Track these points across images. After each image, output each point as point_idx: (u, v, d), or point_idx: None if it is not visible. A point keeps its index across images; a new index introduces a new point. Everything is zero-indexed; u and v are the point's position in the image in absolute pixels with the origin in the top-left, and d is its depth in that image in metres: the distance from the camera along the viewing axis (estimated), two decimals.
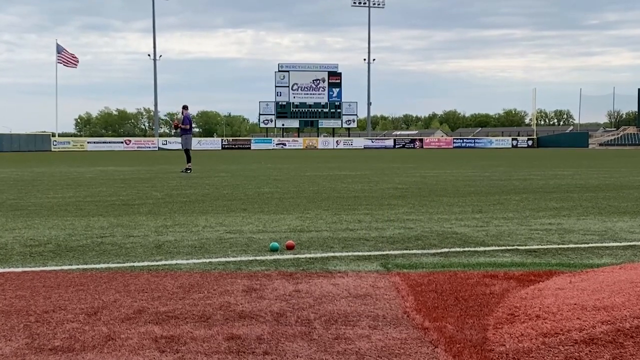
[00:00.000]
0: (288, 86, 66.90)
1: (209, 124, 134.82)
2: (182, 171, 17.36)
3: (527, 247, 5.30)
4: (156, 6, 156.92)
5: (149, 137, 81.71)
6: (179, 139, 17.34)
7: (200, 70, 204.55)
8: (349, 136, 71.98)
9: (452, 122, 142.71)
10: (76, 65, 57.57)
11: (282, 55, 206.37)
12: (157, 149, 56.51)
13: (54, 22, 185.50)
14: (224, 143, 61.89)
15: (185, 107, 17.94)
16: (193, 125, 18.07)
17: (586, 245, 5.38)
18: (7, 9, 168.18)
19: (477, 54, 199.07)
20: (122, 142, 59.47)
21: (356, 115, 70.32)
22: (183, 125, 17.52)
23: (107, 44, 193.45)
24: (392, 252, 5.11)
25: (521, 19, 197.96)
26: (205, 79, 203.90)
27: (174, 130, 17.34)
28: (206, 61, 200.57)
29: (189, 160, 17.32)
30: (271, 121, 67.58)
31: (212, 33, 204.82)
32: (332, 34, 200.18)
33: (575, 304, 3.06)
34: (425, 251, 5.15)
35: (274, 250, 5.11)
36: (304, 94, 67.27)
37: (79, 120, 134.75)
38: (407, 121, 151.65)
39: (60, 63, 57.11)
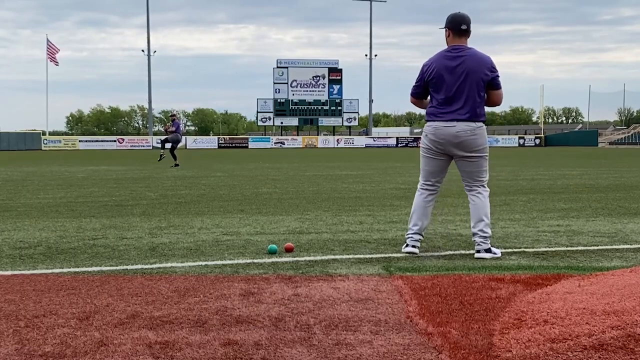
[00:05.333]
0: (287, 83, 66.73)
1: (205, 122, 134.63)
2: (173, 166, 19.84)
3: (535, 250, 5.22)
4: (156, 0, 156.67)
5: (143, 135, 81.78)
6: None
7: (198, 67, 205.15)
8: (349, 134, 71.96)
9: None
10: (56, 58, 57.94)
11: (284, 51, 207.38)
12: (151, 147, 56.26)
13: (50, 17, 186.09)
14: (220, 142, 61.76)
15: (173, 116, 21.57)
16: (187, 124, 21.77)
17: (596, 248, 5.30)
18: (3, 4, 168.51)
19: (485, 50, 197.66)
20: (114, 141, 59.27)
21: (357, 113, 70.25)
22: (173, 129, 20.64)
23: (104, 40, 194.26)
24: (394, 254, 5.04)
25: (532, 14, 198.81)
26: (204, 76, 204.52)
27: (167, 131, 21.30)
28: (205, 58, 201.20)
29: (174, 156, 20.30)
30: (269, 119, 67.49)
31: (212, 29, 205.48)
32: (336, 29, 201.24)
33: (584, 309, 3.00)
34: (428, 254, 5.07)
35: (272, 252, 5.03)
36: (304, 90, 67.09)
37: (70, 118, 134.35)
38: (410, 119, 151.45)
39: (50, 60, 57.46)
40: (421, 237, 5.10)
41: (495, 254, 4.92)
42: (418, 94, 5.14)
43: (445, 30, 4.99)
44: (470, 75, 4.85)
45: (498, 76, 4.98)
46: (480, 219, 4.96)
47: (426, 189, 5.15)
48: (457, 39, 4.94)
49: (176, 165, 19.91)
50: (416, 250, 5.02)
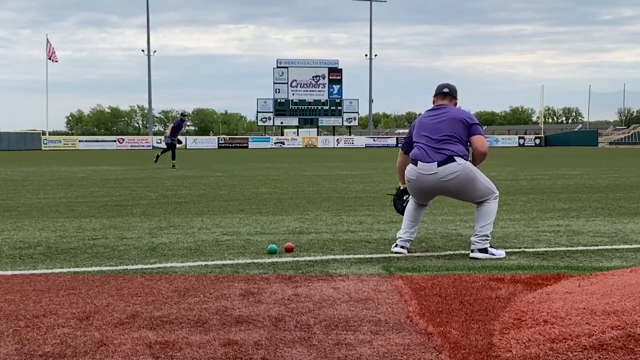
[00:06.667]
0: (287, 83, 66.69)
1: (205, 122, 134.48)
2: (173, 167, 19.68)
3: (535, 250, 5.22)
4: (156, 0, 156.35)
5: (143, 135, 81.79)
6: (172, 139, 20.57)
7: (198, 67, 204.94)
8: (349, 134, 71.90)
9: None
10: (53, 59, 58.02)
11: (284, 51, 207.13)
12: (151, 147, 56.18)
13: (50, 17, 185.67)
14: (220, 142, 61.71)
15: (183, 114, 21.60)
16: (188, 124, 21.51)
17: (595, 248, 5.30)
18: (3, 4, 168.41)
19: (486, 50, 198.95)
20: (114, 141, 59.19)
21: (357, 112, 70.18)
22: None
23: (104, 40, 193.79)
24: (394, 254, 5.03)
25: (532, 14, 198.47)
26: (204, 76, 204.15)
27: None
28: (205, 58, 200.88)
29: (174, 157, 20.14)
30: (269, 119, 67.44)
31: (212, 29, 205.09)
32: (336, 29, 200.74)
33: (584, 309, 3.00)
34: (428, 254, 5.08)
35: (272, 252, 5.02)
36: (304, 90, 67.02)
37: (70, 118, 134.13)
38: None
39: (49, 59, 57.52)
40: (411, 239, 5.16)
41: (493, 254, 4.90)
42: (405, 150, 5.30)
43: (433, 99, 5.25)
44: (450, 120, 4.97)
45: (477, 124, 5.04)
46: (479, 220, 4.97)
47: (417, 203, 5.24)
48: (440, 99, 5.18)
49: (173, 166, 20.03)
50: (404, 250, 5.08)
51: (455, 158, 4.85)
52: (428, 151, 4.93)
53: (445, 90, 5.19)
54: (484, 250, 4.90)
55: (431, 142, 4.93)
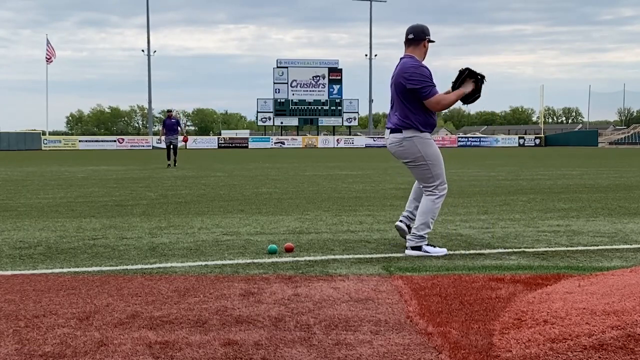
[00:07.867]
0: (287, 83, 66.65)
1: (205, 122, 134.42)
2: (174, 165, 20.01)
3: (535, 250, 5.22)
4: (156, 0, 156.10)
5: (143, 135, 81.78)
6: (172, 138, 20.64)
7: (198, 67, 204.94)
8: (349, 134, 71.89)
9: (456, 120, 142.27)
10: (51, 60, 57.94)
11: (284, 51, 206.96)
12: (151, 147, 56.17)
13: (50, 17, 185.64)
14: (220, 142, 61.75)
15: (170, 110, 21.45)
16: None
17: (595, 248, 5.29)
18: (3, 4, 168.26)
19: (486, 50, 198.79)
20: (114, 141, 59.18)
21: (357, 112, 70.15)
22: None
23: (104, 40, 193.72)
24: (394, 254, 5.04)
25: (532, 14, 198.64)
26: (204, 76, 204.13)
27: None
28: (205, 58, 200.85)
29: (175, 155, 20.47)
30: (269, 119, 67.44)
31: (212, 29, 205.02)
32: (336, 29, 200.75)
33: (584, 309, 3.00)
34: (429, 254, 5.06)
35: (272, 252, 5.02)
36: (304, 90, 66.98)
37: (70, 118, 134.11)
38: None
39: (48, 60, 57.48)
40: (410, 215, 5.23)
41: (427, 252, 4.95)
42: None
43: None
44: (394, 84, 5.00)
45: (419, 88, 4.80)
46: (417, 217, 5.05)
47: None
48: (405, 49, 5.09)
49: (168, 165, 20.14)
50: (403, 225, 5.19)
51: (403, 130, 4.97)
52: (389, 119, 5.13)
53: (410, 36, 5.00)
54: (417, 248, 4.96)
55: (390, 111, 5.12)
